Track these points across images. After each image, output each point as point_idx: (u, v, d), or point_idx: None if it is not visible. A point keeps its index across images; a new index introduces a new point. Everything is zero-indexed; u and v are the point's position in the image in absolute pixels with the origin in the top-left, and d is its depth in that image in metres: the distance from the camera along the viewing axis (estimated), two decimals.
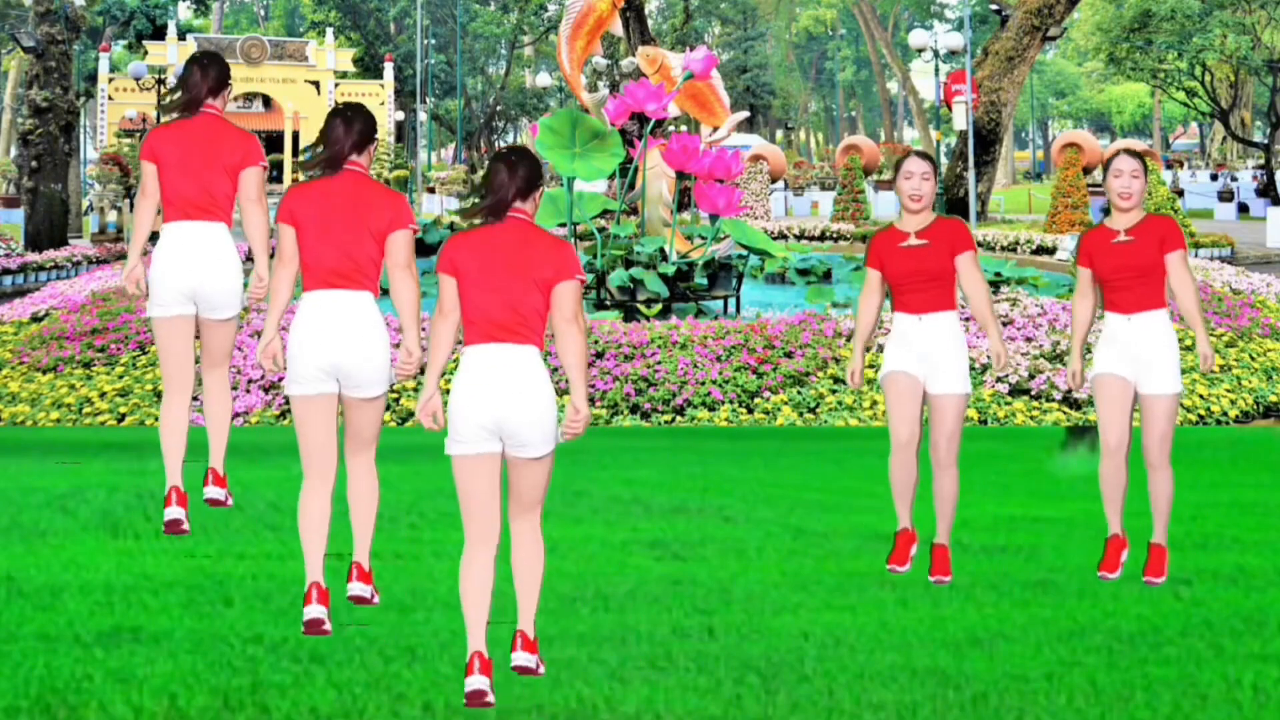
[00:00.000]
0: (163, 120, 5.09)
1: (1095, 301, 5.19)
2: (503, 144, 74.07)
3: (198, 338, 4.98)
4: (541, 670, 4.14)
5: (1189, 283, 5.10)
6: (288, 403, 7.99)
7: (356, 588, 4.58)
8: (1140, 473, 5.22)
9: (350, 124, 4.45)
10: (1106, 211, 5.29)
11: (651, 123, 12.01)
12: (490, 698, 3.94)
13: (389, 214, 4.38)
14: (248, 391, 8.39)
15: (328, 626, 4.42)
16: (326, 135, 4.46)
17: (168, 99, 5.08)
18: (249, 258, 5.20)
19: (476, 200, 4.07)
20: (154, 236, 5.02)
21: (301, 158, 42.81)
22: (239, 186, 4.86)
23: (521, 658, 4.07)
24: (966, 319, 9.64)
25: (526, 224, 4.04)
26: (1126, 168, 5.11)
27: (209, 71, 4.96)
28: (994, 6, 30.46)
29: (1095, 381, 5.16)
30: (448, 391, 4.05)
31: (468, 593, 4.01)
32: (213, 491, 5.08)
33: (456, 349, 4.10)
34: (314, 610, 4.42)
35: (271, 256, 4.58)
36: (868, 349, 5.34)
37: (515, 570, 4.10)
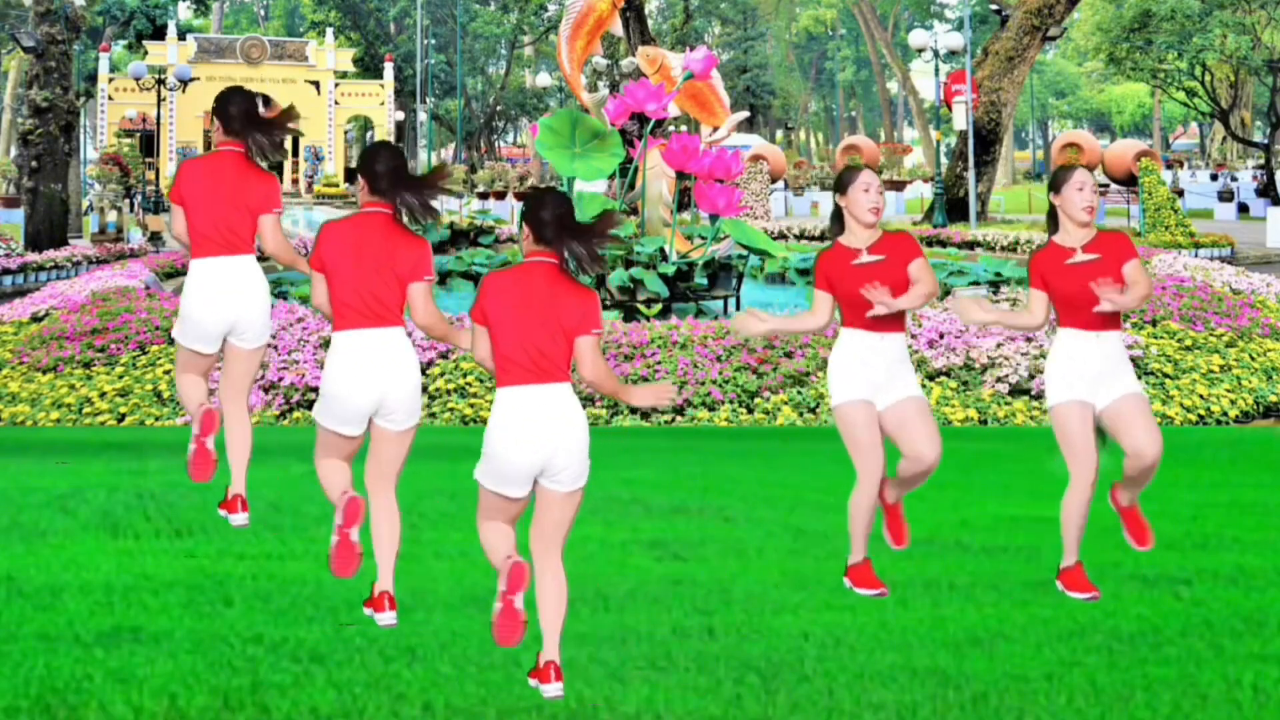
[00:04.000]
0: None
1: (1045, 318, 4.95)
2: (503, 144, 74.11)
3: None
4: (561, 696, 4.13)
5: (1139, 286, 4.95)
6: (288, 402, 8.01)
7: (387, 617, 4.55)
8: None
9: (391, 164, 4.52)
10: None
11: (651, 123, 12.01)
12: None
13: (410, 262, 4.46)
14: None
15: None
16: (371, 179, 4.51)
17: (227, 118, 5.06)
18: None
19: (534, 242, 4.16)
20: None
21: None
22: (259, 230, 4.96)
23: (553, 689, 4.06)
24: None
25: (553, 270, 4.14)
26: (1088, 181, 4.85)
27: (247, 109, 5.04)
28: (994, 6, 30.47)
29: (1057, 410, 4.91)
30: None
31: (487, 538, 4.18)
32: (238, 518, 5.10)
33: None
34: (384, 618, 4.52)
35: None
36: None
37: (540, 604, 4.13)
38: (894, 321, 4.88)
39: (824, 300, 4.93)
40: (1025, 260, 16.70)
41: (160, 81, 33.91)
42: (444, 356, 8.97)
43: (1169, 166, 44.15)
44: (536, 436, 4.02)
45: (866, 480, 4.87)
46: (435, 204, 4.52)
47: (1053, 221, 5.01)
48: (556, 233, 4.11)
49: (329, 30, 55.87)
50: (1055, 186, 4.97)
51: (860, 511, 4.93)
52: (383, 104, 53.06)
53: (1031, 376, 8.68)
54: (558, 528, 4.13)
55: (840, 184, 4.98)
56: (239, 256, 4.90)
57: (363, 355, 4.42)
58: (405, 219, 4.50)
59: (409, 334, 4.58)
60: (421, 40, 45.10)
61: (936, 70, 28.90)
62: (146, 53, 48.77)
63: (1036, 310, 4.94)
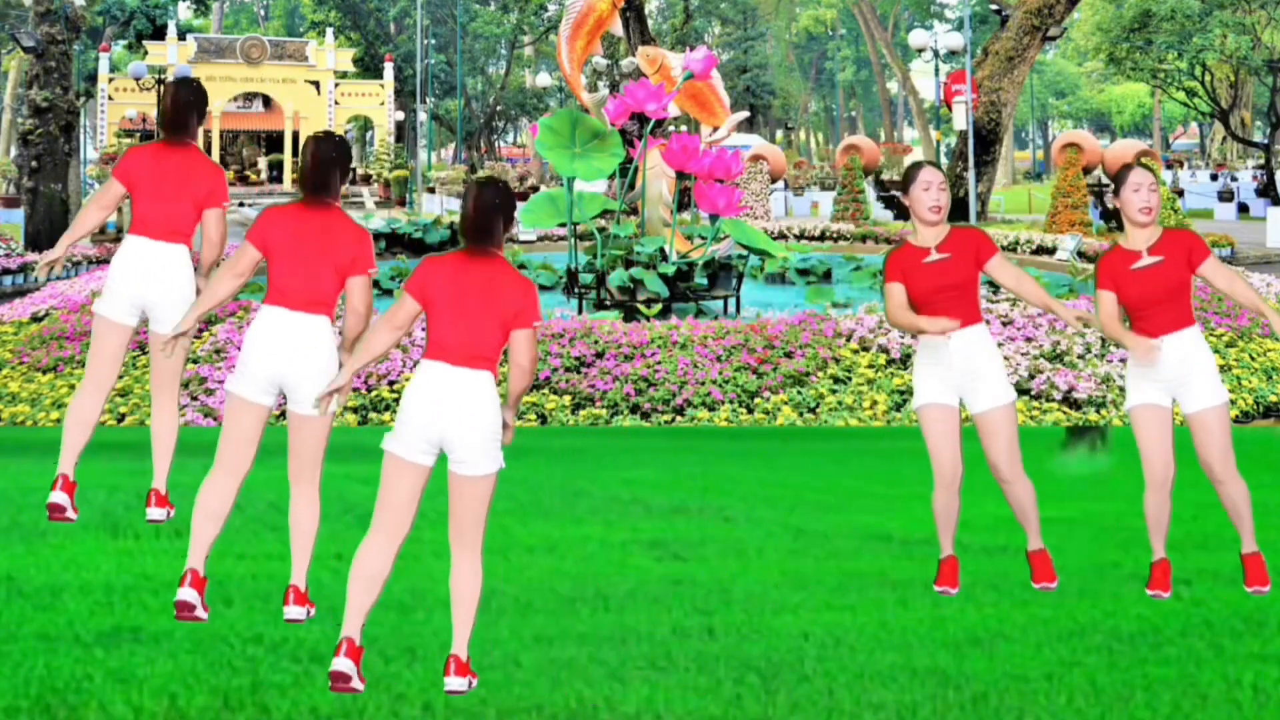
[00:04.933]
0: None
1: (1120, 322, 4.96)
2: (503, 144, 74.10)
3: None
4: (474, 684, 4.13)
5: (1235, 279, 4.96)
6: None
7: (294, 610, 4.61)
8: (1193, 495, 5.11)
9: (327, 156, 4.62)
10: (1108, 218, 5.15)
11: (651, 123, 12.00)
12: (355, 682, 4.06)
13: (350, 255, 4.52)
14: None
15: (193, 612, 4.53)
16: (306, 171, 4.60)
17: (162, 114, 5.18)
18: None
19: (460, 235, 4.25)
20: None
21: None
22: (203, 221, 5.02)
23: (454, 682, 4.07)
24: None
25: (496, 260, 4.21)
26: (1145, 181, 4.90)
27: (198, 100, 5.13)
28: (994, 6, 30.47)
29: (1133, 414, 4.96)
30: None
31: (356, 578, 4.13)
32: (155, 513, 5.11)
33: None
34: (183, 593, 4.51)
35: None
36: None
37: (453, 596, 4.14)
38: (962, 316, 4.89)
39: (897, 291, 4.92)
40: (1025, 260, 16.69)
41: (160, 81, 33.90)
42: None
43: (1169, 166, 44.16)
44: (444, 410, 4.06)
45: (938, 482, 4.96)
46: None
47: (1115, 220, 5.06)
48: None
49: (329, 30, 55.85)
50: (1116, 189, 5.01)
51: (938, 511, 5.02)
52: (383, 104, 53.04)
53: (1031, 376, 8.68)
54: (470, 521, 4.11)
55: (904, 182, 5.01)
56: (173, 244, 4.95)
57: (279, 331, 4.47)
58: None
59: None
60: (421, 40, 45.04)
61: (936, 70, 28.91)
62: (146, 53, 48.73)
63: (1107, 309, 4.94)
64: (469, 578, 4.12)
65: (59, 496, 5.01)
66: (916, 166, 5.01)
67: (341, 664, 4.05)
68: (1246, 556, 5.05)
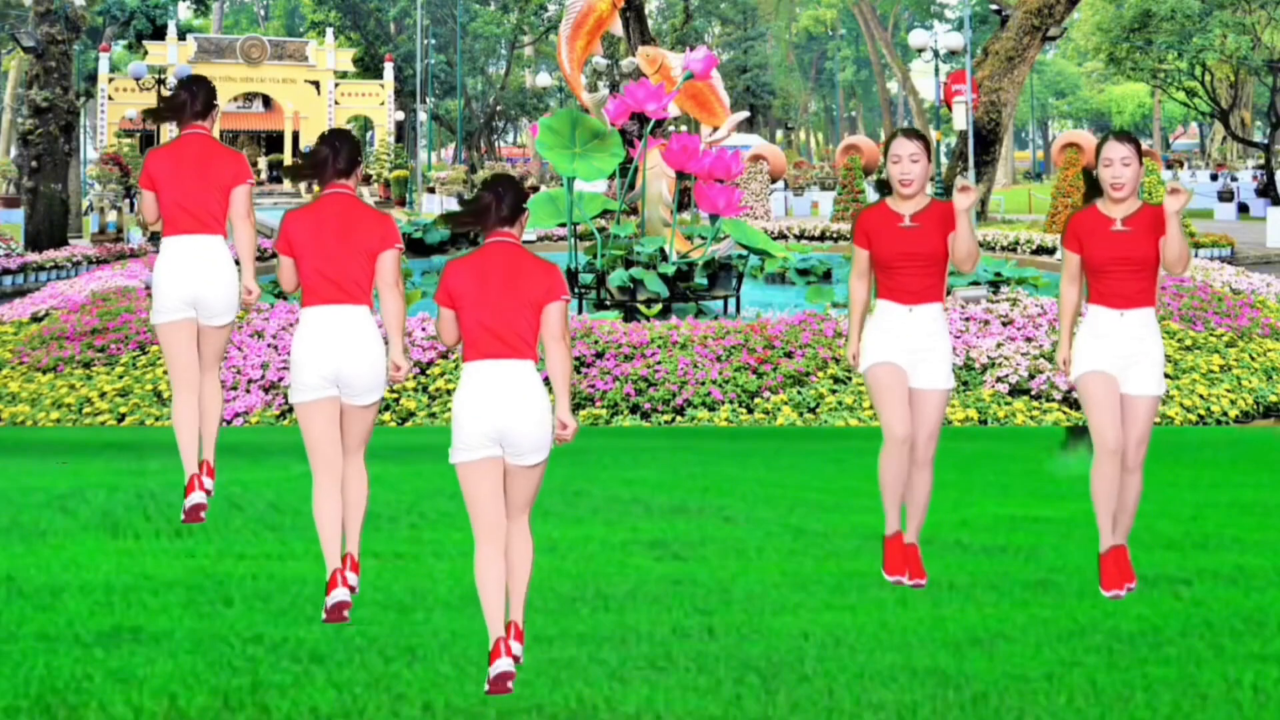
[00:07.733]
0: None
1: (1082, 288, 4.89)
2: (503, 144, 74.12)
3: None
4: (520, 660, 4.27)
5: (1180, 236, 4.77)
6: (287, 403, 8.00)
7: (350, 577, 4.75)
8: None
9: (337, 151, 4.78)
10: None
11: (651, 123, 12.01)
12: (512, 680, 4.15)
13: (378, 234, 4.70)
14: (248, 391, 8.40)
15: (347, 611, 4.63)
16: (314, 164, 4.79)
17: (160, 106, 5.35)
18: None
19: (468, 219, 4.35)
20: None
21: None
22: (230, 203, 5.17)
23: (513, 646, 4.23)
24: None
25: (515, 247, 4.31)
26: (1116, 155, 4.78)
27: (198, 95, 5.27)
28: (994, 6, 30.46)
29: (1083, 380, 4.85)
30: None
31: (485, 586, 4.21)
32: (206, 482, 5.28)
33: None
34: (337, 594, 4.62)
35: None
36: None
37: (509, 565, 4.29)
38: (925, 292, 4.88)
39: (863, 257, 4.95)
40: (1025, 260, 16.68)
41: (160, 81, 33.89)
42: (444, 356, 8.98)
43: (1169, 166, 44.19)
44: (495, 405, 4.17)
45: (887, 439, 4.91)
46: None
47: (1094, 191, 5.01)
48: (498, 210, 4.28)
49: (329, 30, 55.84)
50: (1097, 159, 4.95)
51: (885, 474, 4.96)
52: (383, 104, 53.04)
53: (1031, 376, 8.68)
54: (527, 499, 4.32)
55: (884, 148, 5.04)
56: (208, 236, 5.10)
57: (325, 328, 4.63)
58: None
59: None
60: (421, 40, 45.03)
61: (936, 70, 28.89)
62: (146, 53, 48.72)
63: (1070, 272, 4.89)
64: (521, 545, 4.30)
65: (195, 497, 5.17)
66: (892, 136, 4.96)
67: (502, 664, 4.14)
68: (1114, 549, 4.91)
